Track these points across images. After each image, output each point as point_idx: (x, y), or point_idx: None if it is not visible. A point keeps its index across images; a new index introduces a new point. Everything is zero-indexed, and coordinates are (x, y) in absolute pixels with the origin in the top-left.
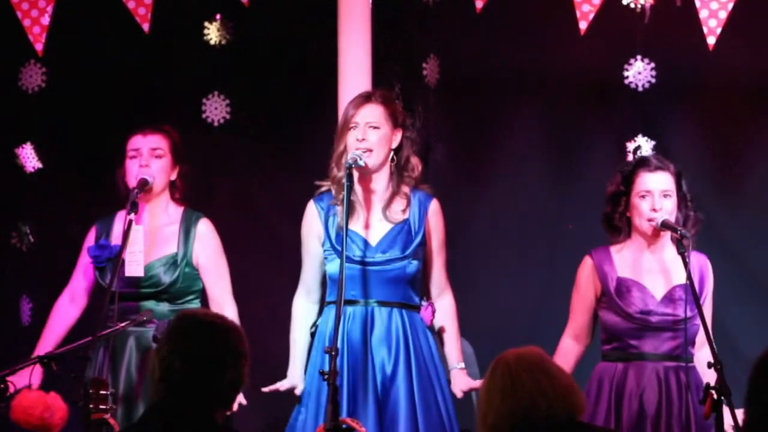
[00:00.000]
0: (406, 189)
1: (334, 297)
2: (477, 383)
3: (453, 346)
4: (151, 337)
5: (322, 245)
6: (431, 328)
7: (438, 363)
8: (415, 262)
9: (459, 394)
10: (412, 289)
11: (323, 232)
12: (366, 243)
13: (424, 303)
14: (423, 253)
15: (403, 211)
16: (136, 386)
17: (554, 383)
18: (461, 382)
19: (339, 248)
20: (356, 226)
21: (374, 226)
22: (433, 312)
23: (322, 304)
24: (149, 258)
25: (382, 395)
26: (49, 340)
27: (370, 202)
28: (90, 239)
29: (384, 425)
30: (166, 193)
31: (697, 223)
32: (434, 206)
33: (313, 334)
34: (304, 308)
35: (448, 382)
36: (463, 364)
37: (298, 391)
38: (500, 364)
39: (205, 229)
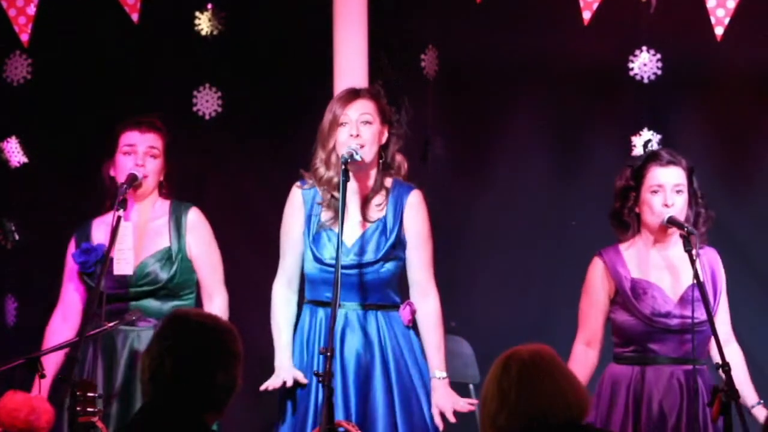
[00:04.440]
0: (387, 182)
1: (311, 296)
2: (461, 404)
3: (433, 355)
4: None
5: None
6: (411, 327)
7: (422, 362)
8: (389, 265)
9: (435, 411)
10: (391, 289)
11: (305, 226)
12: (343, 244)
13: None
14: (401, 251)
15: (380, 206)
16: (125, 388)
17: (570, 383)
18: (441, 397)
19: (314, 249)
20: (335, 225)
21: (352, 226)
22: (412, 312)
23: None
24: (140, 256)
25: (358, 398)
26: (49, 366)
27: (353, 202)
28: (71, 250)
29: (363, 428)
30: (155, 193)
31: (708, 220)
32: (412, 199)
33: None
34: (284, 297)
35: None
36: (444, 374)
37: (290, 383)
38: (514, 360)
39: (195, 218)
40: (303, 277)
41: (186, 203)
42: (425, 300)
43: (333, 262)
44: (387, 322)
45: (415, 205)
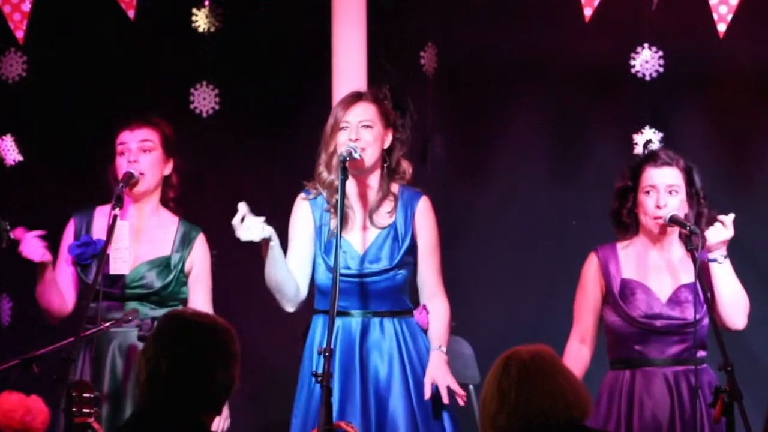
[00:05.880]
0: (394, 188)
1: (322, 306)
2: (456, 388)
3: (438, 333)
4: (137, 338)
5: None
6: (427, 331)
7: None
8: (403, 271)
9: (427, 381)
10: (404, 295)
11: (315, 236)
12: (354, 252)
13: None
14: (414, 257)
15: (390, 213)
16: (120, 388)
17: (570, 384)
18: (438, 370)
19: (326, 258)
20: (345, 233)
21: (362, 232)
22: (428, 314)
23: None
24: (137, 259)
25: (377, 406)
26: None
27: (360, 207)
28: (69, 234)
29: None
30: (158, 193)
31: (711, 221)
32: (422, 205)
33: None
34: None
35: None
36: (445, 348)
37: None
38: (513, 360)
39: (203, 242)
40: (311, 289)
41: (196, 226)
42: (434, 302)
43: (345, 271)
44: (404, 329)
45: (425, 211)
